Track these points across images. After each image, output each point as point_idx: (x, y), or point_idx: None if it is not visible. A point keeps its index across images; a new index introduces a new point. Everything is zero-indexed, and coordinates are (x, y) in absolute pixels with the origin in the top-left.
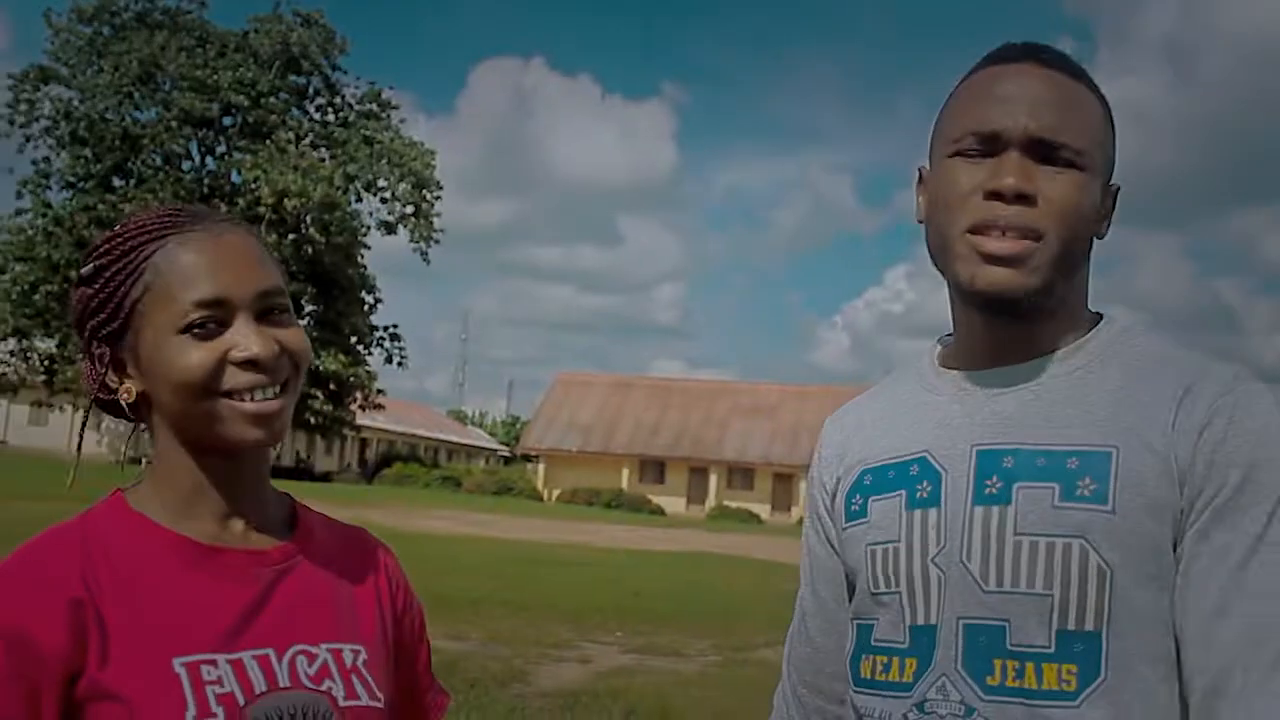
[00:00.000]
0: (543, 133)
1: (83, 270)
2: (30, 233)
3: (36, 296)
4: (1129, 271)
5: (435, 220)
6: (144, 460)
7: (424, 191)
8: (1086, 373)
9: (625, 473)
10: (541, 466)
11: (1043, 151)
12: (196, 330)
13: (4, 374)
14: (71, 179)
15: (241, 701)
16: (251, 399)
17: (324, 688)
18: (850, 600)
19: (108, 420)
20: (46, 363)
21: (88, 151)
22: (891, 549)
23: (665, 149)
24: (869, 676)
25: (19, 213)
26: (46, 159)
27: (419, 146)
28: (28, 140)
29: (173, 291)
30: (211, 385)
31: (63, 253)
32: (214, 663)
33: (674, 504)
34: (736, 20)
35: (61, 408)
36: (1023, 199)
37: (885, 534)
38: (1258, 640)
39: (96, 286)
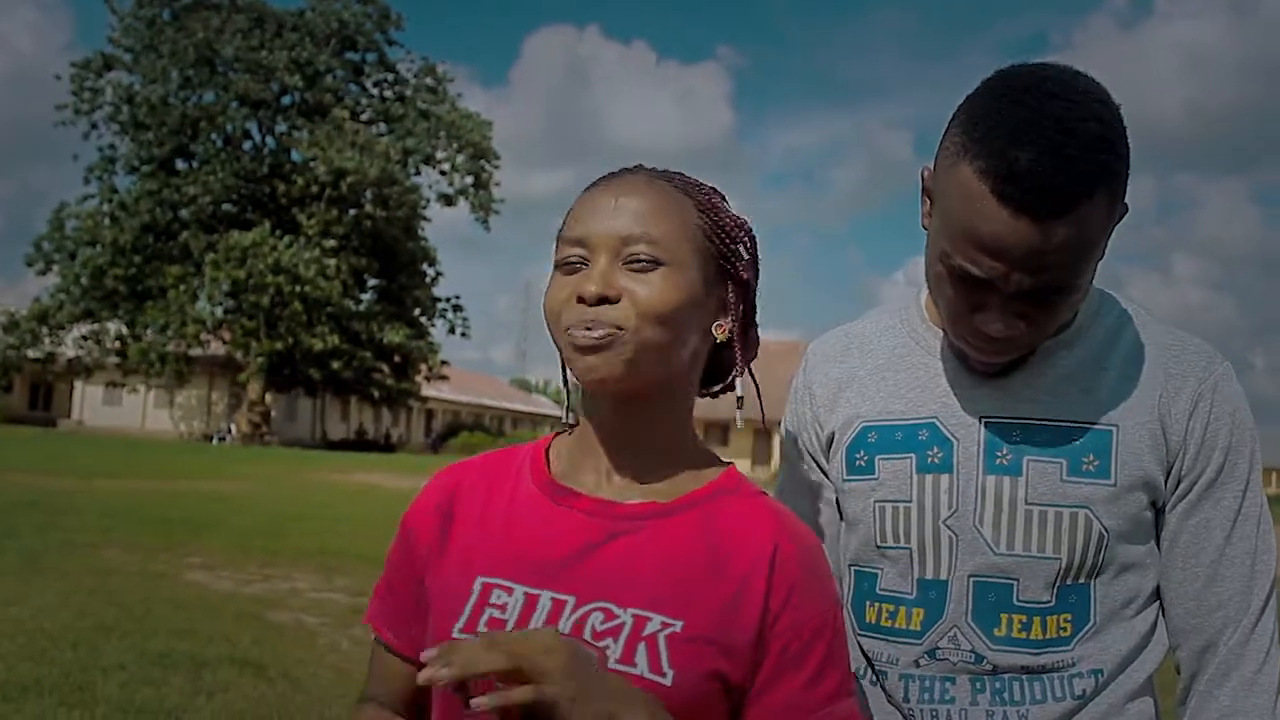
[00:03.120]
0: (599, 101)
1: None
2: (98, 218)
3: (106, 279)
4: (1192, 218)
5: (495, 190)
6: (213, 439)
7: (482, 162)
8: (1084, 350)
9: None
10: None
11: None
12: (564, 266)
13: (78, 356)
14: (135, 163)
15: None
16: (578, 333)
17: (601, 644)
18: (845, 545)
19: (179, 399)
20: (118, 344)
21: (150, 136)
22: (903, 508)
23: (722, 112)
24: (874, 622)
25: (86, 198)
26: (112, 145)
27: (475, 118)
28: (93, 127)
29: (564, 228)
30: (558, 319)
31: (129, 236)
32: (510, 590)
33: (739, 466)
34: None
35: (135, 388)
36: None
37: (896, 493)
38: (1243, 601)
39: None
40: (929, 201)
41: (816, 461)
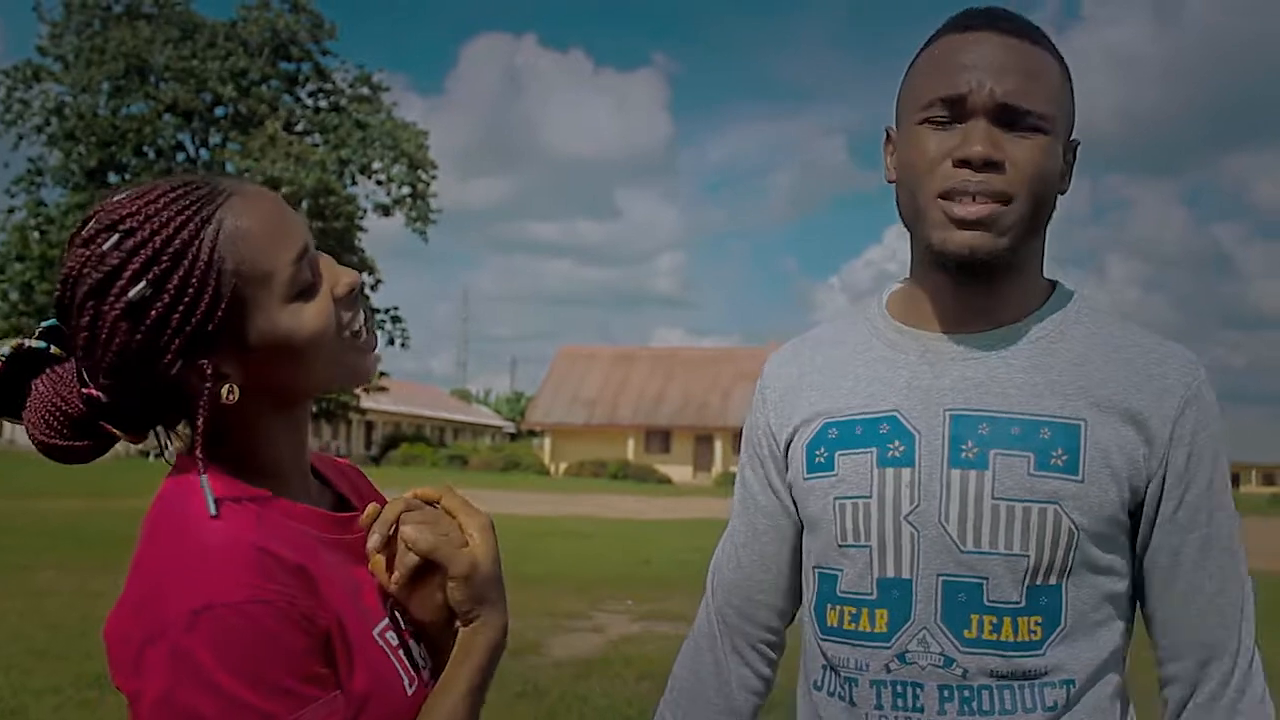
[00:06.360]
0: (536, 109)
1: (131, 296)
2: (25, 231)
3: (36, 294)
4: (1124, 218)
5: (432, 201)
6: (151, 455)
7: (419, 172)
8: (1050, 343)
9: (631, 443)
10: (547, 441)
11: (1008, 118)
12: (302, 290)
13: None
14: (65, 176)
15: (422, 663)
16: (353, 335)
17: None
18: (808, 548)
19: None
20: None
21: (80, 148)
22: (862, 504)
23: (659, 119)
24: (836, 625)
25: (12, 210)
26: (41, 157)
27: (412, 128)
28: (20, 138)
29: (263, 263)
30: (338, 330)
31: (58, 250)
32: (388, 628)
33: (680, 472)
34: None
35: None
36: (991, 166)
37: (856, 489)
38: (1229, 616)
39: (164, 302)
40: (892, 149)
41: (768, 468)
